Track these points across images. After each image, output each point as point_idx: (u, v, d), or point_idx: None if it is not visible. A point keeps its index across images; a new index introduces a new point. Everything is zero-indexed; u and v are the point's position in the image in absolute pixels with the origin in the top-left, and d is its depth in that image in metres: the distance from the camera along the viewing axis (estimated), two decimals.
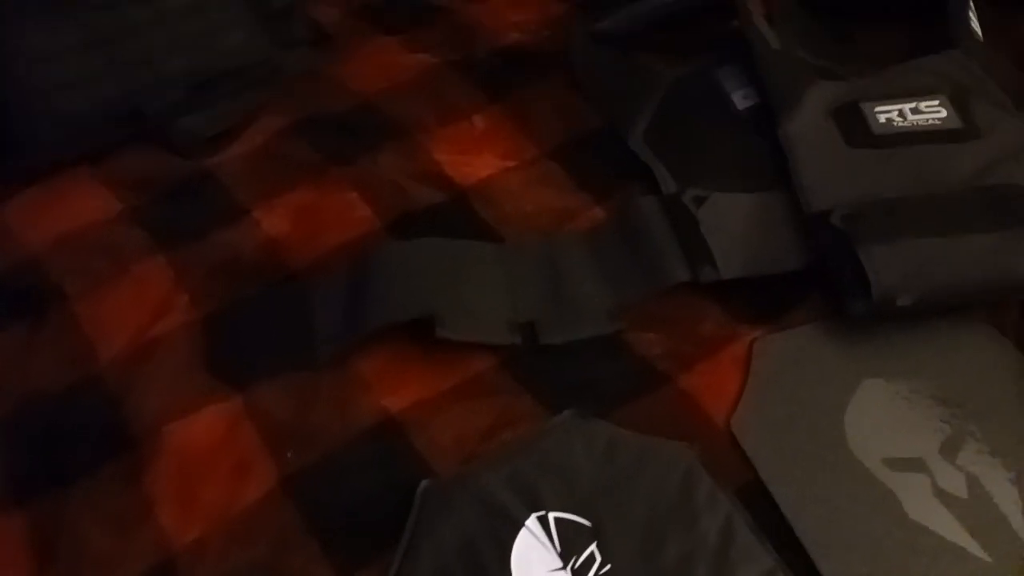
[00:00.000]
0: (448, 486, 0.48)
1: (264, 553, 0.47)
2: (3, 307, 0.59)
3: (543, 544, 0.45)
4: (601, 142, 0.66)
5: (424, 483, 0.48)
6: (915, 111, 0.61)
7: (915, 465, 0.48)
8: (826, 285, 0.55)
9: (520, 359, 0.54)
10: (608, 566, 0.44)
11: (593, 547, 0.45)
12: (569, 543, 0.45)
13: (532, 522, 0.46)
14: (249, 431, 0.52)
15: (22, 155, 0.64)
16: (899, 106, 0.61)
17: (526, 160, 0.65)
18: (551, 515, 0.46)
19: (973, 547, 0.45)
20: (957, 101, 0.60)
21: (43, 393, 0.54)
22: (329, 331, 0.55)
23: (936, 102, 0.60)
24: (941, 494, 0.47)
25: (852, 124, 0.61)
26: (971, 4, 0.66)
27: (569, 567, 0.44)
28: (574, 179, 0.64)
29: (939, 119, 0.60)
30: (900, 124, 0.60)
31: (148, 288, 0.59)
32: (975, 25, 0.66)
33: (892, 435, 0.49)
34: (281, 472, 0.50)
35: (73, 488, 0.50)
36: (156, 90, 0.66)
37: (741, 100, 0.66)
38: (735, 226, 0.58)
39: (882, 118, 0.61)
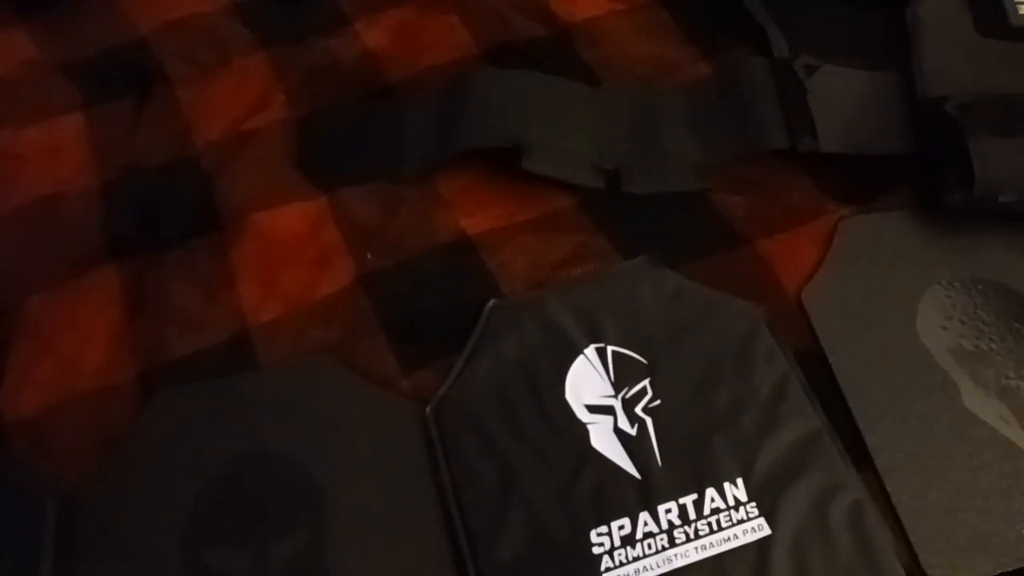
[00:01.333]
0: (515, 306, 0.49)
1: (336, 337, 0.49)
2: (113, 80, 0.60)
3: (598, 371, 0.47)
4: None
5: (492, 301, 0.49)
6: None
7: (981, 358, 0.48)
8: (925, 174, 0.53)
9: (600, 202, 0.54)
10: (658, 401, 0.46)
11: (646, 382, 0.46)
12: (623, 375, 0.47)
13: (590, 350, 0.48)
14: (332, 229, 0.54)
15: None
16: None
17: (636, 4, 0.63)
18: (609, 348, 0.48)
19: (1022, 441, 0.45)
20: None
21: (143, 165, 0.57)
22: (417, 147, 0.56)
23: None
24: (1003, 390, 0.47)
25: (988, 12, 0.57)
26: None
27: (620, 396, 0.46)
28: (683, 30, 0.61)
29: None
30: None
31: (247, 82, 0.60)
32: None
33: (963, 327, 0.49)
34: (359, 269, 0.52)
35: (165, 253, 0.53)
36: None
37: None
38: (842, 100, 0.56)
39: (1022, 10, 0.57)
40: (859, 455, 0.45)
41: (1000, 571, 0.41)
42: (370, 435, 0.46)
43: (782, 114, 0.56)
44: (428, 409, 0.46)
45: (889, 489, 0.44)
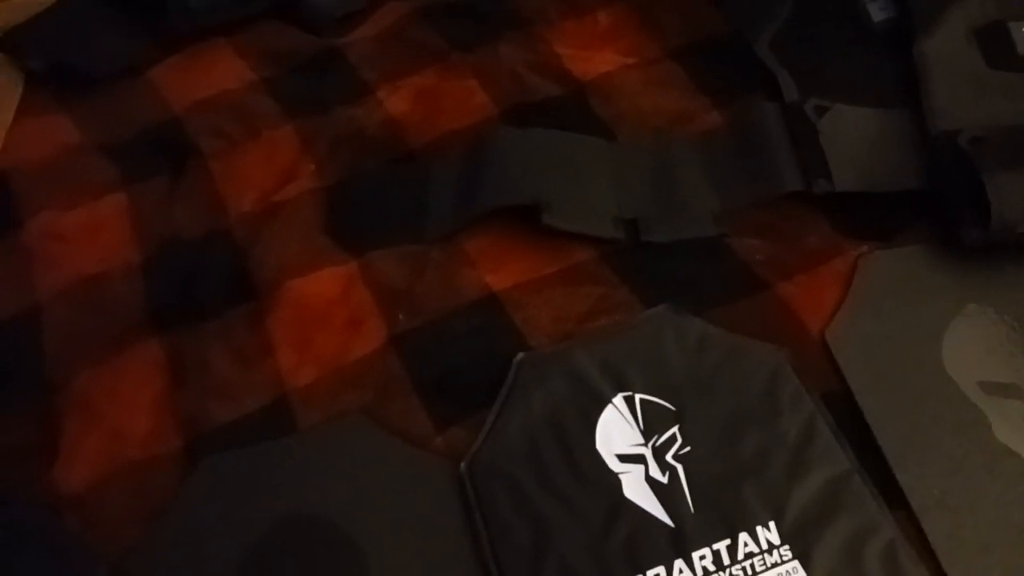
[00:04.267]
0: (542, 359, 0.51)
1: (370, 398, 0.51)
2: (150, 158, 0.63)
3: (627, 421, 0.48)
4: (726, 47, 0.65)
5: (520, 355, 0.51)
6: None
7: (1011, 391, 0.48)
8: (940, 209, 0.54)
9: (621, 253, 0.56)
10: (688, 448, 0.46)
11: (675, 429, 0.47)
12: (652, 423, 0.48)
13: (618, 400, 0.48)
14: (363, 292, 0.55)
15: (171, 20, 0.68)
16: None
17: (647, 59, 0.65)
18: (637, 396, 0.49)
19: None
20: None
21: (181, 238, 0.59)
22: (441, 209, 0.58)
23: None
24: None
25: (996, 44, 0.58)
26: None
27: (650, 444, 0.47)
28: (695, 82, 0.63)
29: None
30: None
31: (277, 154, 0.63)
32: None
33: (990, 359, 0.49)
34: (391, 330, 0.53)
35: (204, 324, 0.55)
36: None
37: (877, 11, 0.63)
38: (855, 140, 0.57)
39: None
40: (892, 495, 0.45)
41: None
42: (407, 495, 0.47)
43: (795, 157, 0.57)
44: (462, 466, 0.47)
45: (924, 528, 0.44)
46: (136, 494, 0.49)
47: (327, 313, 0.55)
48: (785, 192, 0.56)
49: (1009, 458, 0.46)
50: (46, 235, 0.60)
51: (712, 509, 0.44)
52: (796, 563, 0.42)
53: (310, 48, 0.69)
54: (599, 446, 0.47)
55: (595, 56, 0.65)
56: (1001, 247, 0.52)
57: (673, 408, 0.48)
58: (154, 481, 0.49)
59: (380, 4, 0.72)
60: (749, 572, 0.42)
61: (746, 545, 0.43)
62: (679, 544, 0.43)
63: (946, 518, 0.44)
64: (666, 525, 0.44)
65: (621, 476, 0.46)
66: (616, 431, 0.47)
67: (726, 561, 0.42)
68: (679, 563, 0.43)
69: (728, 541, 0.43)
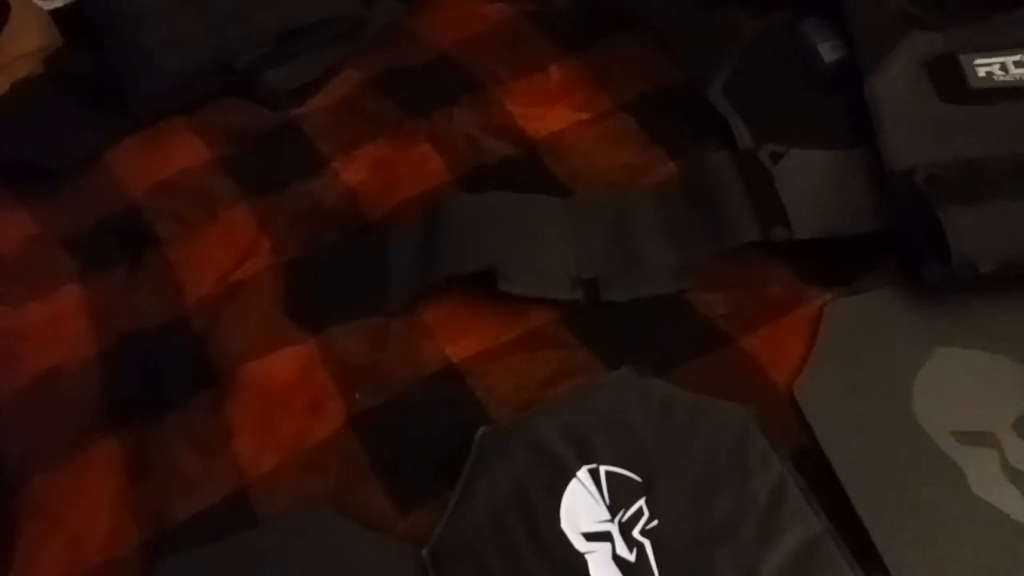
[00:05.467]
0: (505, 433, 0.50)
1: (332, 484, 0.50)
2: (108, 248, 0.63)
3: (592, 496, 0.46)
4: (678, 97, 0.65)
5: (482, 429, 0.50)
6: (1020, 64, 0.57)
7: (984, 439, 0.47)
8: (902, 249, 0.53)
9: (581, 314, 0.55)
10: (655, 522, 0.45)
11: (642, 502, 0.46)
12: (618, 496, 0.46)
13: (583, 473, 0.47)
14: (322, 372, 0.55)
15: (127, 108, 0.68)
16: (1002, 59, 0.58)
17: (600, 113, 0.65)
18: (602, 468, 0.47)
19: None
20: None
21: (140, 330, 0.59)
22: (401, 279, 0.58)
23: None
24: (1010, 471, 0.45)
25: (947, 77, 0.58)
26: None
27: (616, 519, 0.45)
28: (648, 134, 0.63)
29: None
30: (1001, 78, 0.57)
31: (234, 234, 0.63)
32: None
33: (962, 406, 0.48)
34: (349, 411, 0.53)
35: (164, 416, 0.54)
36: (246, 44, 0.69)
37: (829, 52, 0.63)
38: (812, 185, 0.56)
39: (981, 71, 0.58)
40: (866, 553, 0.43)
41: None
42: None
43: (752, 205, 0.56)
44: (424, 552, 0.46)
45: None
46: None
47: (286, 395, 0.54)
48: (743, 242, 0.55)
49: (987, 510, 0.44)
50: (4, 333, 0.59)
51: None
52: None
53: (266, 123, 0.69)
54: (564, 525, 0.46)
55: (548, 113, 0.65)
56: (965, 284, 0.51)
57: (639, 479, 0.47)
58: None
59: (335, 73, 0.72)
60: None
61: None
62: None
63: (924, 574, 0.42)
64: None
65: (588, 556, 0.44)
66: (582, 507, 0.46)
67: None
68: None
69: None
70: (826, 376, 0.50)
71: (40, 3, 0.76)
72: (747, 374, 0.51)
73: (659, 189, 0.59)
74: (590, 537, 0.45)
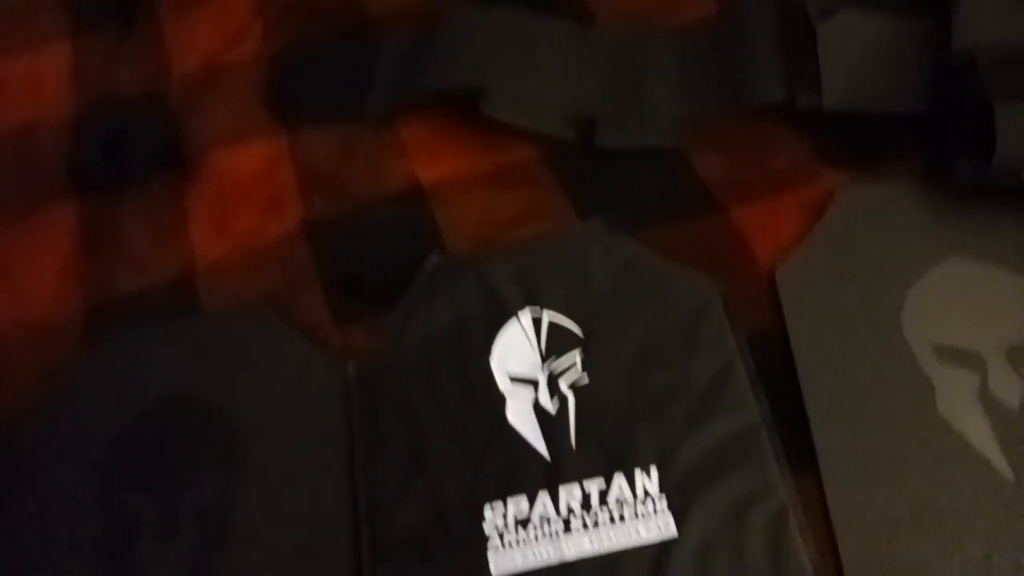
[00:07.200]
0: (455, 265, 0.47)
1: (277, 285, 0.48)
2: (103, 8, 0.60)
3: (529, 340, 0.44)
4: None
5: (433, 257, 0.47)
6: None
7: (969, 360, 0.42)
8: (937, 139, 0.46)
9: (566, 156, 0.50)
10: (585, 378, 0.42)
11: (578, 356, 0.43)
12: (555, 346, 0.44)
13: (525, 316, 0.44)
14: (288, 171, 0.52)
15: None
16: None
17: None
18: (546, 314, 0.44)
19: (999, 462, 0.39)
20: None
21: (117, 98, 0.56)
22: (384, 87, 0.53)
23: None
24: (986, 398, 0.41)
25: None
26: None
27: (547, 367, 0.43)
28: None
29: None
30: None
31: (228, 15, 0.59)
32: None
33: (956, 321, 0.43)
34: (306, 216, 0.50)
35: (125, 190, 0.53)
36: None
37: None
38: (855, 50, 0.49)
39: None
40: (802, 455, 0.40)
41: None
42: (294, 391, 0.45)
43: (784, 63, 0.49)
44: (351, 366, 0.45)
45: (828, 497, 0.39)
46: (34, 356, 0.48)
47: (248, 189, 0.52)
48: (763, 102, 0.49)
49: (946, 435, 0.40)
50: None
51: (595, 446, 0.40)
52: (670, 519, 0.38)
53: None
54: (493, 363, 0.43)
55: None
56: (997, 192, 0.44)
57: (581, 334, 0.44)
58: (53, 345, 0.48)
59: None
60: (615, 517, 0.39)
61: (620, 489, 0.39)
62: (550, 479, 0.40)
63: (859, 490, 0.39)
64: (542, 457, 0.40)
65: (508, 399, 0.42)
66: (515, 349, 0.44)
67: (594, 502, 0.39)
68: (543, 497, 0.39)
69: (602, 482, 0.39)
70: (816, 264, 0.45)
71: None
72: (729, 248, 0.46)
73: (686, 30, 0.53)
74: (516, 380, 0.43)
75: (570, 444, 0.41)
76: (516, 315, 0.44)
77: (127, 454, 0.44)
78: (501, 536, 0.39)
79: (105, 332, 0.48)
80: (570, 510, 0.39)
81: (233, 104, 0.55)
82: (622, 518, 0.38)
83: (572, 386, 0.42)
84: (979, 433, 0.40)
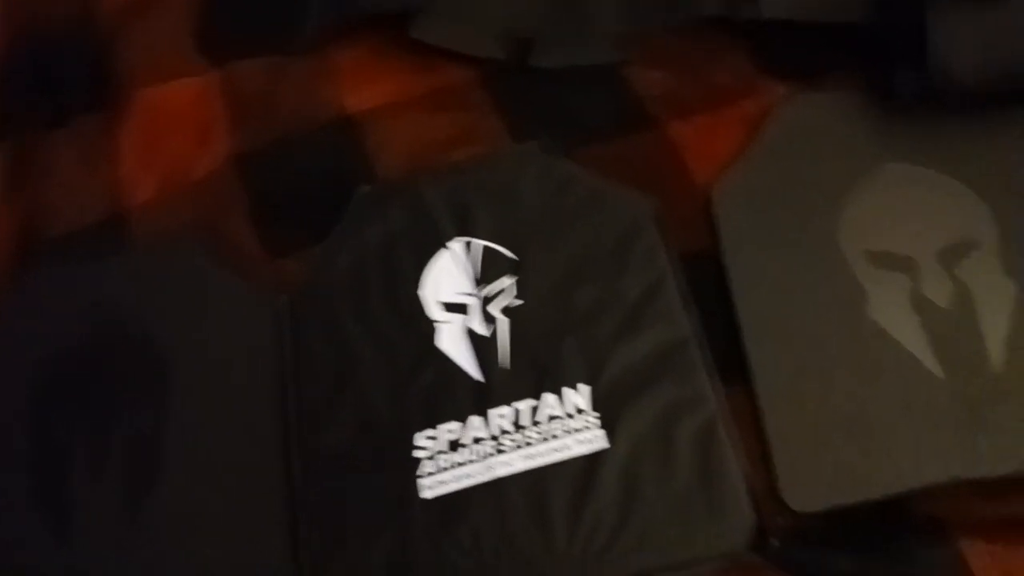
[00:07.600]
0: (385, 192, 0.46)
1: (205, 218, 0.47)
2: None
3: (462, 267, 0.43)
4: None
5: (363, 187, 0.46)
6: None
7: (902, 264, 0.41)
8: (878, 51, 0.45)
9: (502, 77, 0.49)
10: (519, 302, 0.42)
11: (511, 281, 0.42)
12: (488, 271, 0.43)
13: (456, 244, 0.44)
14: (217, 104, 0.51)
15: None
16: None
17: None
18: (478, 241, 0.44)
19: (928, 359, 0.38)
20: None
21: (45, 30, 0.55)
22: (316, 13, 0.52)
23: None
24: (919, 300, 0.40)
25: None
26: None
27: (480, 294, 0.42)
28: None
29: None
30: None
31: None
32: None
33: (889, 226, 0.42)
34: (236, 149, 0.49)
35: (54, 127, 0.52)
36: None
37: None
38: None
39: None
40: (733, 369, 0.40)
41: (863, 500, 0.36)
42: (223, 323, 0.45)
43: None
44: (283, 299, 0.44)
45: (761, 407, 0.39)
46: None
47: (178, 123, 0.51)
48: (700, 15, 0.47)
49: (878, 338, 0.39)
50: None
51: (527, 367, 0.40)
52: (601, 432, 0.38)
53: None
54: (424, 291, 0.43)
55: None
56: (938, 105, 0.43)
57: (515, 257, 0.43)
58: None
59: None
60: (547, 436, 0.38)
61: (550, 407, 0.39)
62: (481, 400, 0.39)
63: (792, 400, 0.39)
64: (473, 379, 0.40)
65: (438, 325, 0.42)
66: (447, 277, 0.43)
67: (525, 421, 0.39)
68: (475, 419, 0.39)
69: (533, 401, 0.39)
70: (753, 177, 0.45)
71: None
72: (666, 164, 0.46)
73: None
74: (448, 307, 0.42)
75: (502, 367, 0.40)
76: (447, 243, 0.44)
77: (58, 386, 0.44)
78: (431, 458, 0.38)
79: (35, 270, 0.47)
80: (503, 431, 0.39)
81: (163, 37, 0.53)
82: (555, 436, 0.38)
83: (506, 310, 0.42)
84: (911, 335, 0.39)
